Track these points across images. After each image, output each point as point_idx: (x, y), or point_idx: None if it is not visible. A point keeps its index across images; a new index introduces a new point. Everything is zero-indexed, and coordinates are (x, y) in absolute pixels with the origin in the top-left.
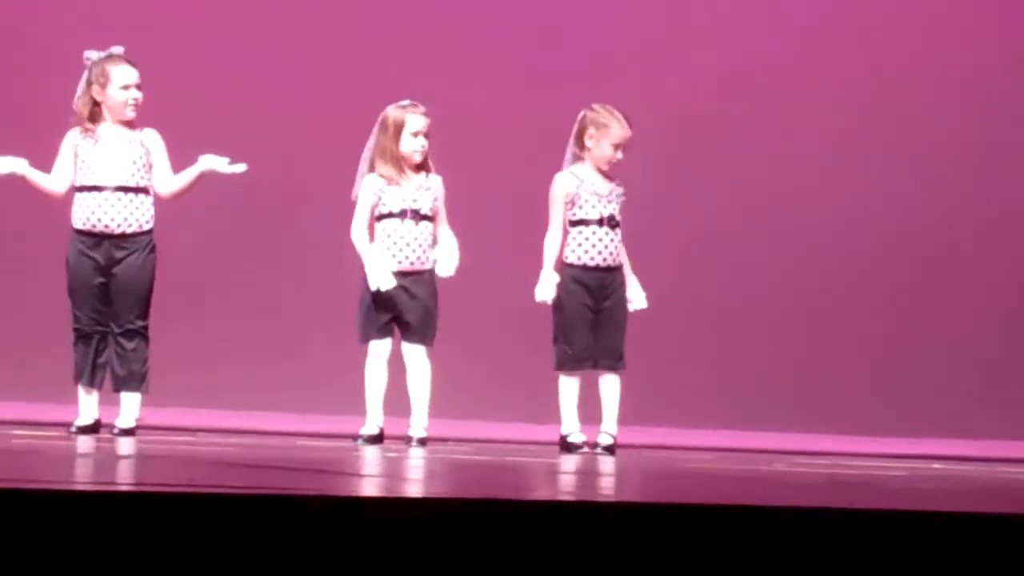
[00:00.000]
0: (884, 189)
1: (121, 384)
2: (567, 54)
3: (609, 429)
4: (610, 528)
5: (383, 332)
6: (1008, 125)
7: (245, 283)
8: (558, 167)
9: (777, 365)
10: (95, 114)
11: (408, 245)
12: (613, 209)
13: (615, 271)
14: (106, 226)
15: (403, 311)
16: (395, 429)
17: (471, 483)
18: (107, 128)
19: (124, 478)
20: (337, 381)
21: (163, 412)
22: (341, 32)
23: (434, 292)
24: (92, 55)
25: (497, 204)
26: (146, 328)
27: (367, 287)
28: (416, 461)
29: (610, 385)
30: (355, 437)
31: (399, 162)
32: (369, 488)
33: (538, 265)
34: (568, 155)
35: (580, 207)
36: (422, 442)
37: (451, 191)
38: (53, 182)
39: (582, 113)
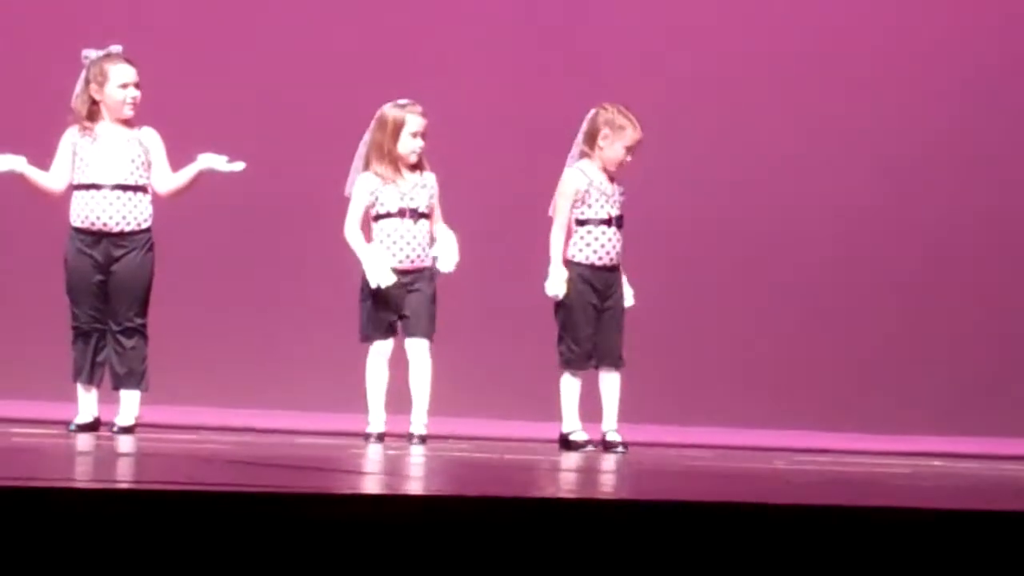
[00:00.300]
0: (884, 189)
1: (120, 382)
2: (567, 54)
3: (612, 427)
4: (611, 525)
5: (385, 332)
6: (1008, 125)
7: (245, 281)
8: (557, 165)
9: (778, 362)
10: (93, 113)
11: (408, 244)
12: (618, 209)
13: (617, 270)
14: (104, 224)
15: (404, 308)
16: (395, 426)
17: (471, 480)
18: (105, 127)
19: (123, 476)
20: (337, 379)
21: (162, 410)
22: (341, 32)
23: (434, 289)
24: (90, 54)
25: (497, 202)
26: (145, 326)
27: (367, 286)
28: (417, 459)
29: (610, 383)
30: (366, 436)
31: (396, 161)
32: (370, 486)
33: (538, 263)
34: (575, 151)
35: (589, 206)
36: (422, 439)
37: (450, 189)
38: (51, 180)
39: (594, 111)
